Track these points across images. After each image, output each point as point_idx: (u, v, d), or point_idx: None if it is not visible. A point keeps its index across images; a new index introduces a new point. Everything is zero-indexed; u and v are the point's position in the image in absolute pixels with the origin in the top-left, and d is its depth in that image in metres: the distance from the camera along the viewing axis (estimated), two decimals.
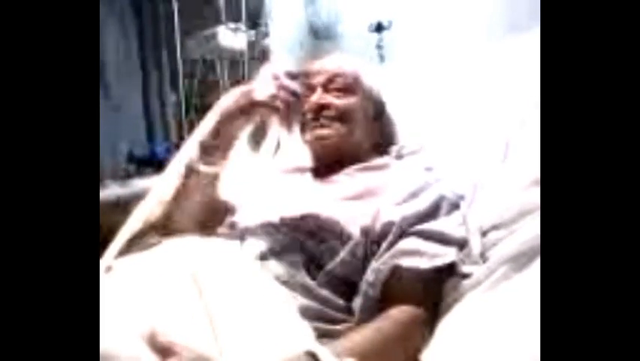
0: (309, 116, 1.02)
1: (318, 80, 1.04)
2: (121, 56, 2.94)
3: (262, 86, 0.89)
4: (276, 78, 0.89)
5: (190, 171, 0.91)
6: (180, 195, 0.93)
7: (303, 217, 0.88)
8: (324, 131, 1.01)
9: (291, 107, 0.90)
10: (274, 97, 0.88)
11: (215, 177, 0.94)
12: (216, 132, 0.90)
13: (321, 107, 1.01)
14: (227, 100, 0.90)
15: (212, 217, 0.96)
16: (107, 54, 2.79)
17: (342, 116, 1.01)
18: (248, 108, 0.90)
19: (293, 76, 0.90)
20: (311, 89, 1.04)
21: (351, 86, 1.04)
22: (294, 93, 0.90)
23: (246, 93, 0.90)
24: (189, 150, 0.90)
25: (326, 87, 1.03)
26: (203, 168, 0.89)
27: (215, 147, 0.91)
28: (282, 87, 0.89)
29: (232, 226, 0.95)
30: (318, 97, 1.02)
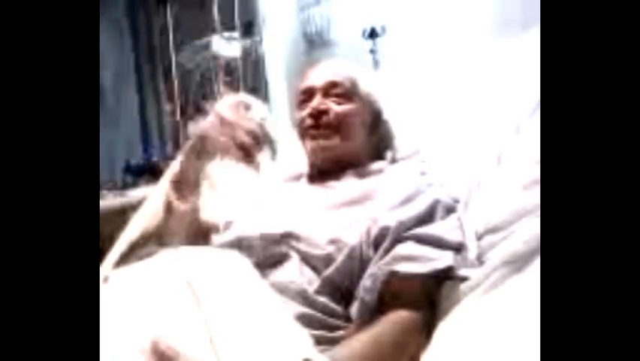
0: (309, 122, 1.02)
1: (318, 85, 1.05)
2: (117, 67, 2.94)
3: (213, 129, 0.86)
4: (222, 120, 0.85)
5: (169, 206, 0.91)
6: (163, 227, 0.94)
7: (284, 235, 0.88)
8: (325, 143, 1.01)
9: (251, 145, 0.85)
10: (227, 141, 0.85)
11: (193, 211, 0.94)
12: (181, 171, 0.91)
13: (321, 113, 1.02)
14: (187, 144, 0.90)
15: (199, 240, 0.96)
16: (103, 66, 2.79)
17: (341, 124, 1.01)
18: (203, 152, 0.89)
19: (246, 106, 0.86)
20: (310, 93, 1.05)
21: (349, 93, 1.04)
22: (249, 132, 0.85)
23: (200, 138, 0.88)
24: (164, 184, 0.91)
25: (325, 92, 1.04)
26: (177, 204, 0.90)
27: (183, 184, 0.91)
28: (234, 127, 0.84)
29: (229, 235, 0.95)
30: (317, 102, 1.02)
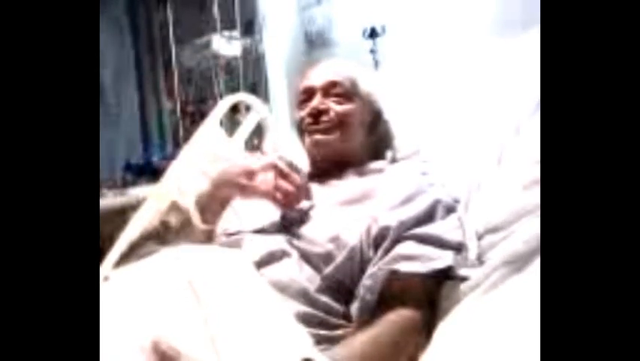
0: (308, 120, 1.03)
1: (318, 85, 1.05)
2: (117, 66, 2.94)
3: (264, 173, 0.89)
4: (275, 167, 0.89)
5: (186, 219, 0.91)
6: (170, 232, 0.94)
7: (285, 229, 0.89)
8: (323, 137, 1.01)
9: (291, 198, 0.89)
10: (275, 189, 0.88)
11: (210, 231, 0.95)
12: (212, 195, 0.91)
13: (320, 112, 1.02)
14: (228, 171, 0.91)
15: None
16: (103, 65, 2.79)
17: (341, 123, 1.02)
18: (246, 190, 0.90)
19: (292, 166, 0.90)
20: (310, 93, 1.05)
21: (349, 92, 1.04)
22: (295, 185, 0.89)
23: (247, 173, 0.89)
24: (167, 186, 0.91)
25: (325, 92, 1.04)
26: (200, 225, 0.90)
27: (208, 208, 0.91)
28: (283, 177, 0.89)
29: (230, 234, 0.95)
30: (317, 102, 1.03)
